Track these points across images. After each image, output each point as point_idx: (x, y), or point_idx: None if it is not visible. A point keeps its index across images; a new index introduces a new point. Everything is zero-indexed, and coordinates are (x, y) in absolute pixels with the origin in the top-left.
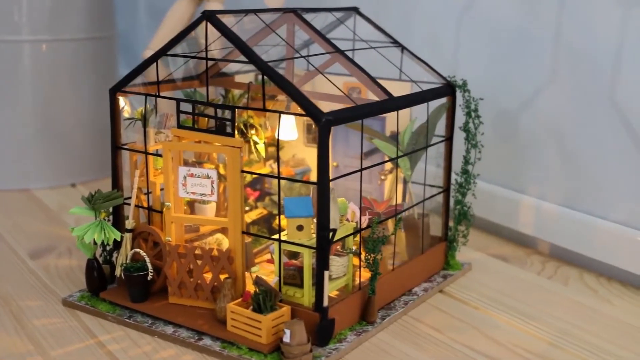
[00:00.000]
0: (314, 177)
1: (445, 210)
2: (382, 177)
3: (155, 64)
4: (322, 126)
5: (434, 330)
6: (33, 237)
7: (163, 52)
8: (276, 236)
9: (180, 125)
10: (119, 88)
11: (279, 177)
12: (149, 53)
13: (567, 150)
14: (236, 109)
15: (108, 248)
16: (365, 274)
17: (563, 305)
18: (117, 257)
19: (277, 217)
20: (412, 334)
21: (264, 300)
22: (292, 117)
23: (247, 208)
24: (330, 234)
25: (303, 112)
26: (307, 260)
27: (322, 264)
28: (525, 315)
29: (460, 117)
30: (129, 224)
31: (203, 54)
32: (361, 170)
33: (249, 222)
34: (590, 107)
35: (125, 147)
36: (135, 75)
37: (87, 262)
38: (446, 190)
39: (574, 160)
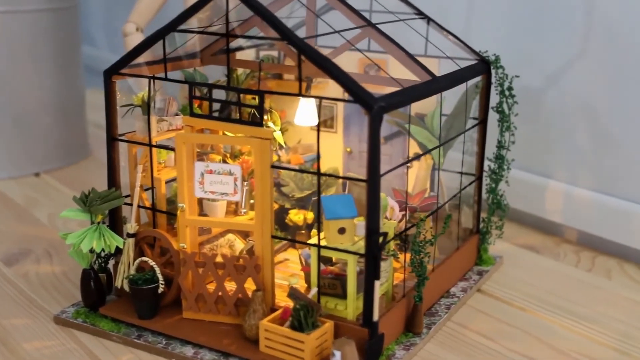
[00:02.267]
0: (324, 164)
1: (477, 200)
2: (408, 165)
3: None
4: (374, 114)
5: (485, 337)
6: (3, 239)
7: (172, 26)
8: (313, 240)
9: (192, 114)
10: (116, 70)
11: (319, 174)
12: (130, 27)
13: (601, 130)
14: (264, 94)
15: (103, 254)
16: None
17: (614, 303)
18: (114, 265)
19: (318, 219)
20: (462, 343)
21: (305, 316)
22: (312, 100)
23: (251, 201)
24: (381, 238)
25: (348, 98)
26: (352, 267)
27: (372, 273)
28: (577, 316)
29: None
30: (131, 227)
31: (214, 28)
32: (408, 161)
33: None
34: (627, 84)
35: (123, 138)
36: (136, 55)
37: (83, 272)
38: (479, 178)
39: (608, 142)
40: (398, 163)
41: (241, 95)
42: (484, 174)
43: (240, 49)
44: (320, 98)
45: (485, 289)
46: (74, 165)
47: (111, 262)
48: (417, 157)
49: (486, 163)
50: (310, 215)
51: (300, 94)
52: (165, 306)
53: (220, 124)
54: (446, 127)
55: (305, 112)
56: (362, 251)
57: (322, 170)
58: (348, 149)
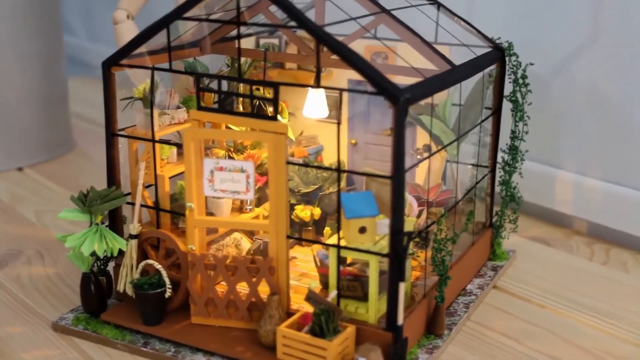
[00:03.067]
0: (328, 156)
1: (491, 192)
2: (418, 157)
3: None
4: (400, 106)
5: (507, 337)
6: None
7: (178, 14)
8: (332, 240)
9: (200, 107)
10: (115, 60)
11: (339, 170)
12: (121, 14)
13: (611, 119)
14: (279, 86)
15: (102, 256)
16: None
17: (634, 297)
18: (115, 268)
19: (337, 218)
20: (486, 344)
21: (327, 321)
22: (322, 91)
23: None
24: (405, 238)
25: (372, 90)
26: (375, 268)
27: (397, 274)
28: (599, 312)
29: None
30: (134, 228)
31: (217, 15)
32: (431, 154)
33: (266, 215)
34: (639, 71)
35: (123, 133)
36: (137, 45)
37: (83, 277)
38: (492, 170)
39: (619, 130)
40: (407, 155)
41: (243, 86)
42: (497, 165)
43: (240, 37)
44: (340, 90)
45: (501, 285)
46: (58, 159)
47: (110, 264)
48: (439, 150)
49: (499, 154)
50: (317, 211)
51: (318, 85)
52: (171, 311)
53: (231, 117)
54: (460, 117)
55: (314, 103)
56: (384, 251)
57: (327, 164)
58: (353, 141)
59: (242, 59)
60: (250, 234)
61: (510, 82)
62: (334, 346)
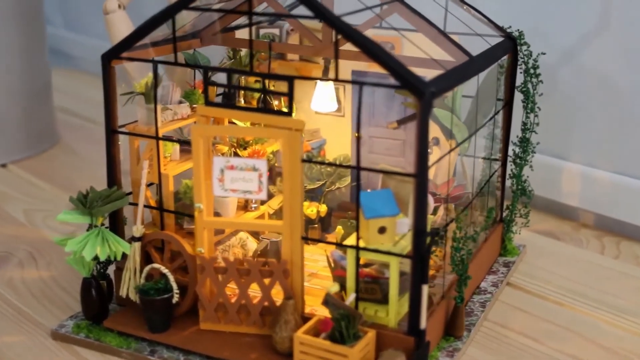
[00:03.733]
0: (331, 151)
1: (502, 186)
2: (428, 151)
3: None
4: (426, 101)
5: (528, 338)
6: None
7: (184, 4)
8: (350, 241)
9: (208, 102)
10: (116, 53)
11: (358, 168)
12: (112, 4)
13: (620, 109)
14: (294, 80)
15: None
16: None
17: None
18: (116, 271)
19: (357, 218)
20: (507, 346)
21: (347, 327)
22: (331, 84)
23: None
24: (428, 238)
25: (395, 83)
26: (395, 270)
27: (420, 276)
28: (618, 309)
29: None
30: (137, 230)
31: (218, 6)
32: (452, 149)
33: (271, 213)
34: None
35: (124, 130)
36: (140, 37)
37: (83, 282)
38: (504, 163)
39: (628, 121)
40: (411, 146)
41: (244, 79)
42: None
43: (238, 27)
44: (360, 83)
45: (514, 282)
46: (43, 154)
47: (110, 267)
48: (460, 143)
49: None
50: (323, 208)
51: (336, 79)
52: (178, 316)
53: (242, 113)
54: (472, 110)
55: (323, 96)
56: (405, 251)
57: (330, 158)
58: (357, 134)
59: (243, 51)
60: (255, 233)
61: (520, 73)
62: (355, 352)
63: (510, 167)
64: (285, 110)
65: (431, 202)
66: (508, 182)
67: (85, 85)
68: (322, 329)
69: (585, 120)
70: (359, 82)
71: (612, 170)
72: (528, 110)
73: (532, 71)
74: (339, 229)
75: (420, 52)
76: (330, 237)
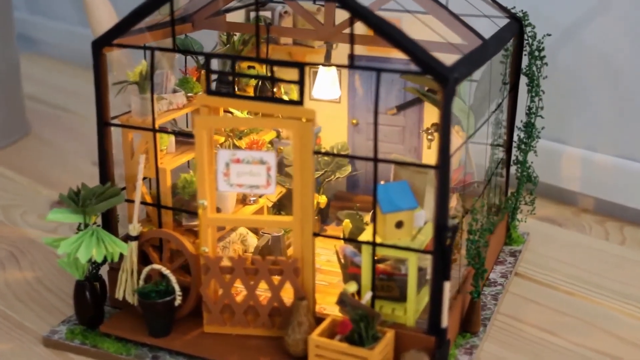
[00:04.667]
0: (327, 138)
1: (506, 173)
2: (429, 137)
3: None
4: (450, 87)
5: (543, 331)
6: None
7: None
8: (365, 237)
9: (210, 91)
10: (108, 40)
11: (375, 160)
12: None
13: (623, 90)
14: (304, 66)
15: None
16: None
17: None
18: (110, 272)
19: (373, 211)
20: (523, 340)
21: (366, 328)
22: (334, 69)
23: None
24: (450, 233)
25: (417, 69)
26: (414, 266)
27: (441, 273)
28: (631, 298)
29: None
30: (134, 228)
31: None
32: (469, 136)
33: (270, 205)
34: None
35: (117, 122)
36: (133, 22)
37: (77, 285)
38: (509, 149)
39: (630, 103)
40: (414, 135)
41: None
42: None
43: (229, 10)
44: (377, 70)
45: (522, 272)
46: (14, 145)
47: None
48: (478, 128)
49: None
50: (322, 199)
51: (352, 66)
52: (179, 319)
53: (247, 102)
54: (478, 95)
55: (325, 83)
56: (423, 246)
57: (327, 146)
58: (354, 121)
59: (236, 35)
60: (255, 228)
61: (525, 55)
62: (375, 355)
63: (514, 153)
64: (286, 98)
65: None
66: (517, 169)
67: (51, 71)
68: (341, 331)
69: (585, 102)
70: (376, 68)
71: (614, 154)
72: (533, 94)
73: (536, 53)
74: (347, 223)
75: (426, 34)
76: (330, 229)
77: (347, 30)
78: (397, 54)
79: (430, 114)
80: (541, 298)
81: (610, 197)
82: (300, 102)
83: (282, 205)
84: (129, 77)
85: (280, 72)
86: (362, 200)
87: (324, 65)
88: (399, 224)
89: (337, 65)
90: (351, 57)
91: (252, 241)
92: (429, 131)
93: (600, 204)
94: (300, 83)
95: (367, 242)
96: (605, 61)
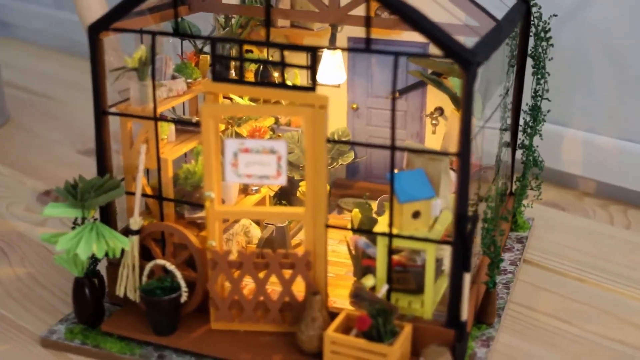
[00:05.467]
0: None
1: (512, 158)
2: (434, 122)
3: None
4: (473, 72)
5: (558, 320)
6: None
7: None
8: (380, 228)
9: (217, 78)
10: (105, 24)
11: (392, 148)
12: None
13: (626, 70)
14: (316, 50)
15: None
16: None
17: None
18: (108, 267)
19: (390, 201)
20: (539, 330)
21: (384, 323)
22: (339, 53)
23: None
24: (470, 223)
25: (438, 54)
26: (432, 258)
27: (461, 265)
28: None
29: None
30: (135, 222)
31: None
32: (485, 122)
33: (272, 194)
34: None
35: (116, 111)
36: (132, 5)
37: (76, 282)
38: (515, 133)
39: (632, 84)
40: (416, 120)
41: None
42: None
43: None
44: (395, 53)
45: (530, 258)
46: None
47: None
48: (493, 112)
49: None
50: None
51: (368, 50)
52: (184, 316)
53: (257, 89)
54: (484, 78)
55: (330, 67)
56: (440, 236)
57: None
58: (354, 106)
59: (234, 18)
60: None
61: (530, 36)
62: (395, 350)
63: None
64: (290, 84)
65: (454, 180)
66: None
67: (29, 56)
68: (359, 327)
69: (587, 83)
70: (394, 52)
71: (616, 136)
72: (539, 76)
73: (542, 34)
74: (356, 212)
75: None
76: (331, 218)
77: (355, 12)
78: (396, 36)
79: (433, 97)
80: (552, 285)
81: (613, 180)
82: (312, 88)
83: (282, 195)
84: (127, 63)
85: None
86: (362, 187)
87: (339, 49)
88: (416, 214)
89: (352, 50)
90: (367, 40)
91: (256, 232)
92: (433, 115)
93: (602, 187)
94: (312, 68)
95: (384, 234)
96: (607, 42)
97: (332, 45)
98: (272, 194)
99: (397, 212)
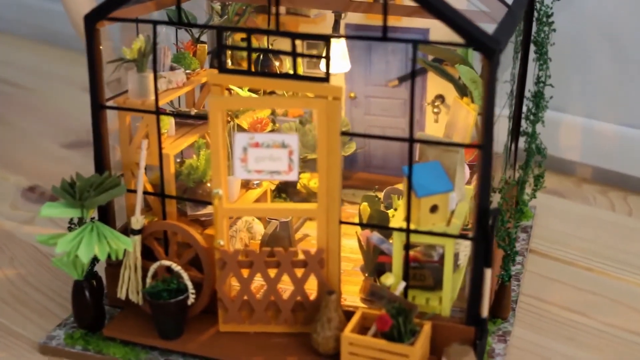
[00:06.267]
0: None
1: (515, 145)
2: (435, 110)
3: None
4: (496, 59)
5: (572, 312)
6: None
7: None
8: (398, 223)
9: (223, 69)
10: (102, 14)
11: (410, 140)
12: None
13: (624, 55)
14: (330, 39)
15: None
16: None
17: None
18: (107, 268)
19: (408, 196)
20: (554, 323)
21: (405, 322)
22: (343, 41)
23: None
24: (491, 218)
25: (459, 42)
26: (451, 253)
27: (482, 260)
28: None
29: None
30: (137, 221)
31: None
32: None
33: (272, 189)
34: None
35: (114, 105)
36: None
37: (75, 285)
38: (518, 121)
39: (631, 68)
40: (417, 108)
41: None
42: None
43: None
44: (413, 41)
45: (536, 248)
46: None
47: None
48: (505, 103)
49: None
50: None
51: (385, 38)
52: (191, 319)
53: (267, 80)
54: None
55: (334, 56)
56: (457, 231)
57: None
58: (351, 94)
59: (230, 5)
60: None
61: (534, 21)
62: (416, 351)
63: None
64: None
65: (467, 172)
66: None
67: (8, 47)
68: (380, 327)
69: (584, 67)
70: (412, 40)
71: (615, 122)
72: (541, 62)
73: (544, 19)
74: (364, 206)
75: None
76: None
77: None
78: (396, 22)
79: (434, 85)
80: (561, 276)
81: (612, 166)
82: (326, 79)
83: (282, 189)
84: (126, 55)
85: (277, 44)
86: (360, 178)
87: (349, 38)
88: (434, 209)
89: (368, 38)
90: (384, 29)
91: (258, 228)
92: (435, 104)
93: (600, 173)
94: (327, 58)
95: (401, 229)
96: (605, 25)
97: (336, 32)
98: (272, 187)
99: (414, 207)
